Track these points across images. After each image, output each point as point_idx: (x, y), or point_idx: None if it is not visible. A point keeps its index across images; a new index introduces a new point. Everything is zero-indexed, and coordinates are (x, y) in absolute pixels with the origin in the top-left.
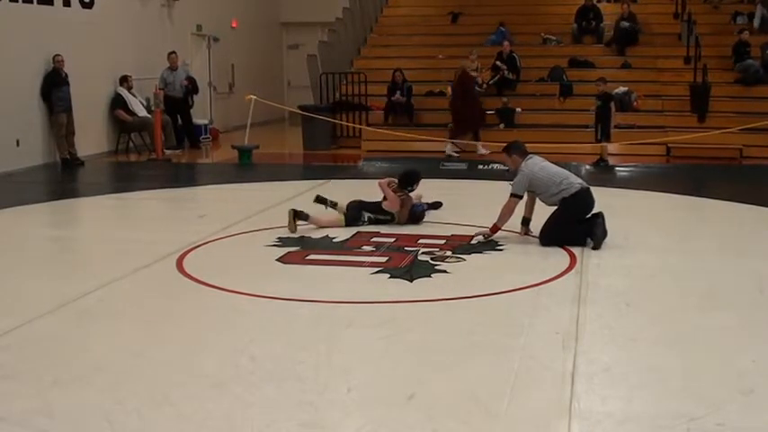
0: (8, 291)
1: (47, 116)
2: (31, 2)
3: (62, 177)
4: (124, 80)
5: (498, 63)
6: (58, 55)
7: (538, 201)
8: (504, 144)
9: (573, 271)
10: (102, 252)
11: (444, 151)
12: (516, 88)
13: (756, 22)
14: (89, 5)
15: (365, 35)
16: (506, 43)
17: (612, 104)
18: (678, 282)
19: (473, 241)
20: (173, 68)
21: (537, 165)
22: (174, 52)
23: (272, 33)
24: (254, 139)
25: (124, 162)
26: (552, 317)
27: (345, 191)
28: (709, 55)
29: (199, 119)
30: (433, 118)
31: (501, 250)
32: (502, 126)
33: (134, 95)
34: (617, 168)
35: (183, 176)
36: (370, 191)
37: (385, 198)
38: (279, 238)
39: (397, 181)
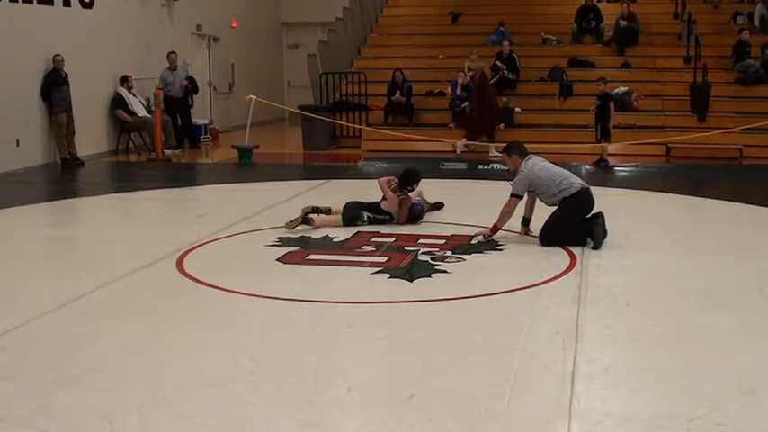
0: (8, 291)
1: (47, 116)
2: (31, 2)
3: (62, 177)
4: (124, 80)
5: (498, 63)
6: (58, 55)
7: (538, 201)
8: (504, 144)
9: (573, 271)
10: (102, 252)
11: (455, 150)
12: (516, 88)
13: (756, 20)
14: (89, 5)
15: (365, 35)
16: (506, 43)
17: (612, 104)
18: (678, 282)
19: (473, 241)
20: (172, 68)
21: (537, 165)
22: (173, 52)
23: (272, 33)
24: (254, 139)
25: (124, 162)
26: (552, 317)
27: (345, 191)
28: (710, 55)
29: (199, 119)
30: (432, 118)
31: (501, 250)
32: (502, 126)
33: (134, 95)
34: (617, 168)
35: (183, 176)
36: (369, 191)
37: (384, 197)
38: (279, 238)
39: (397, 180)
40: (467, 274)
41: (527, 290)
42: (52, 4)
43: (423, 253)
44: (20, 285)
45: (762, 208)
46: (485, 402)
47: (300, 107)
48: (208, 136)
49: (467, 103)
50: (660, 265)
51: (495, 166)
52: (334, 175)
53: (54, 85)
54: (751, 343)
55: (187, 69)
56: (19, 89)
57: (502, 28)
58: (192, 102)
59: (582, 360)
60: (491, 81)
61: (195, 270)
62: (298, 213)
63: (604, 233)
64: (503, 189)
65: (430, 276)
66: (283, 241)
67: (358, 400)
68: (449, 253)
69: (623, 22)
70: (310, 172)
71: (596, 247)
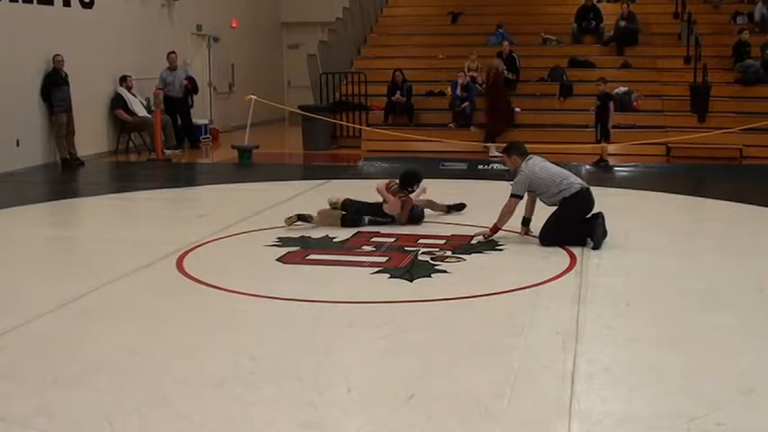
0: (8, 291)
1: (47, 116)
2: (31, 2)
3: (62, 177)
4: (123, 80)
5: None
6: (58, 55)
7: (538, 201)
8: (503, 142)
9: (573, 271)
10: (102, 252)
11: (489, 153)
12: (516, 88)
13: (758, 15)
14: (89, 5)
15: (365, 35)
16: (506, 43)
17: (611, 104)
18: (678, 282)
19: (473, 241)
20: (172, 68)
21: (537, 165)
22: (173, 52)
23: (272, 33)
24: (254, 139)
25: (124, 162)
26: (552, 317)
27: (345, 191)
28: (709, 55)
29: (199, 119)
30: (432, 118)
31: (501, 250)
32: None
33: (134, 95)
34: (617, 168)
35: (183, 176)
36: (369, 192)
37: (385, 201)
38: (279, 238)
39: (397, 181)
40: (467, 274)
41: (527, 290)
42: (52, 4)
43: (423, 253)
44: (20, 285)
45: (762, 208)
46: (485, 402)
47: (300, 107)
48: (208, 136)
49: (467, 103)
50: (660, 265)
51: (495, 166)
52: (334, 175)
53: (54, 85)
54: (751, 343)
55: (187, 69)
56: (19, 89)
57: (501, 29)
58: (192, 102)
59: (582, 360)
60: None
61: (195, 270)
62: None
63: (604, 233)
64: (503, 189)
65: (430, 276)
66: (283, 241)
67: (358, 400)
68: (449, 253)
69: (622, 23)
70: (310, 172)
71: (596, 247)
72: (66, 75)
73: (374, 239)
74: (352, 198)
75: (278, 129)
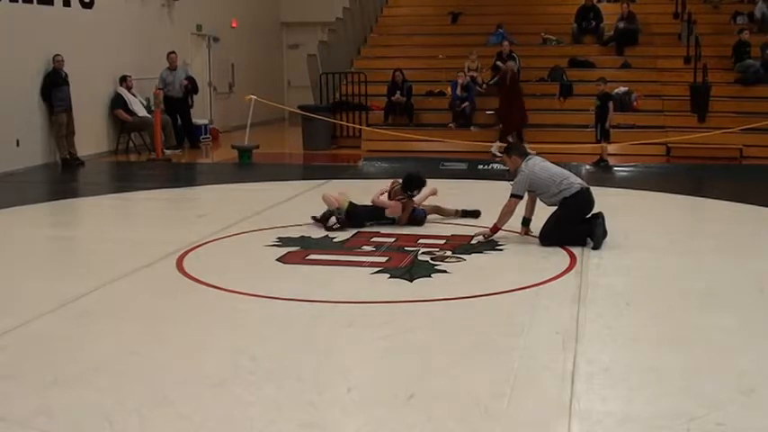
0: (8, 291)
1: (47, 116)
2: (31, 2)
3: (62, 177)
4: (124, 80)
5: (499, 63)
6: (58, 55)
7: (538, 201)
8: (503, 143)
9: (573, 271)
10: (102, 252)
11: (491, 151)
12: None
13: (758, 14)
14: (89, 5)
15: (365, 35)
16: (506, 43)
17: (611, 104)
18: (678, 282)
19: (473, 241)
20: (172, 68)
21: (537, 165)
22: (173, 52)
23: (272, 33)
24: (254, 139)
25: (124, 162)
26: (552, 317)
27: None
28: (709, 55)
29: (199, 119)
30: (432, 118)
31: (501, 250)
32: (501, 126)
33: (134, 95)
34: (617, 168)
35: (183, 176)
36: (370, 192)
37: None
38: (279, 238)
39: (401, 181)
40: (467, 274)
41: (527, 290)
42: (52, 4)
43: (423, 253)
44: (20, 285)
45: (762, 208)
46: (485, 402)
47: (300, 107)
48: (208, 136)
49: (467, 103)
50: (660, 265)
51: (495, 166)
52: (334, 175)
53: (54, 85)
54: (751, 343)
55: (187, 69)
56: (19, 89)
57: (500, 29)
58: (192, 102)
59: (582, 360)
60: (491, 81)
61: (195, 270)
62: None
63: (604, 233)
64: (503, 189)
65: (430, 276)
66: (283, 241)
67: (358, 400)
68: (449, 253)
69: (621, 24)
70: (310, 172)
71: (596, 247)
72: (66, 75)
73: (374, 239)
74: (356, 203)
75: (278, 129)
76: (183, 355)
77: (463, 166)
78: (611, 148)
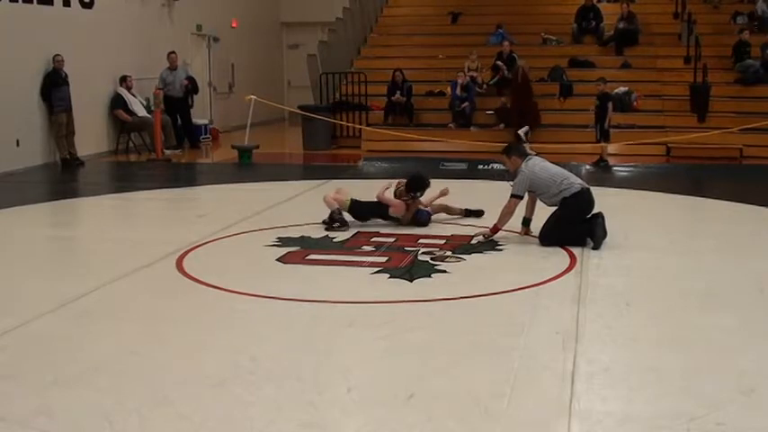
0: (8, 291)
1: (47, 116)
2: (31, 2)
3: (62, 177)
4: (124, 80)
5: (499, 63)
6: (58, 55)
7: (538, 201)
8: (504, 143)
9: (573, 271)
10: (102, 252)
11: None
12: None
13: (759, 11)
14: (89, 5)
15: (365, 35)
16: (506, 43)
17: (610, 104)
18: (678, 282)
19: (473, 241)
20: (172, 68)
21: (537, 165)
22: (173, 52)
23: (272, 33)
24: (254, 139)
25: (124, 162)
26: (552, 317)
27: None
28: (709, 55)
29: (199, 119)
30: (432, 118)
31: (501, 250)
32: (502, 126)
33: (134, 95)
34: (617, 168)
35: (183, 176)
36: (370, 192)
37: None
38: (279, 238)
39: (405, 181)
40: (467, 274)
41: (527, 290)
42: (52, 4)
43: (423, 253)
44: (20, 285)
45: (762, 208)
46: (485, 402)
47: (300, 107)
48: (208, 136)
49: (466, 103)
50: (660, 265)
51: (495, 165)
52: (334, 175)
53: (54, 85)
54: (751, 343)
55: (187, 69)
56: (19, 89)
57: (500, 30)
58: (193, 102)
59: (582, 360)
60: (491, 81)
61: (195, 270)
62: (298, 212)
63: (604, 233)
64: (503, 189)
65: (430, 276)
66: (283, 241)
67: (358, 400)
68: (449, 253)
69: (621, 24)
70: (310, 172)
71: (596, 247)
72: (66, 75)
73: (374, 239)
74: (359, 200)
75: (278, 129)
76: (183, 355)
77: (463, 166)
78: (610, 147)
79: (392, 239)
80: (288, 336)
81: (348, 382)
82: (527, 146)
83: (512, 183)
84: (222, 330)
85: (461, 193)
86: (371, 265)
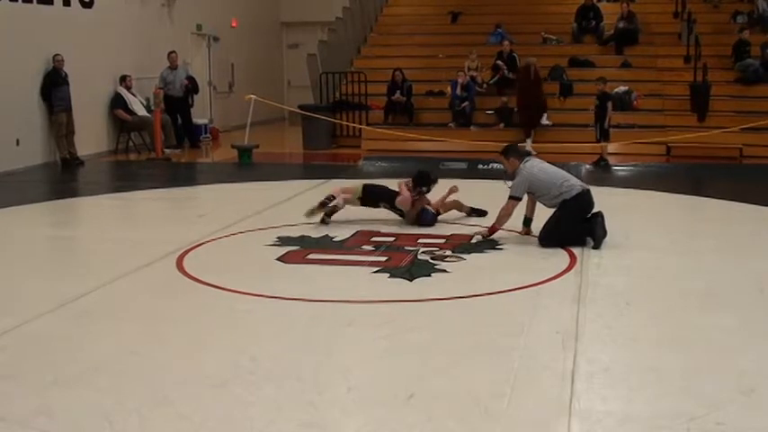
0: (8, 290)
1: (47, 116)
2: (31, 2)
3: (62, 177)
4: (123, 80)
5: (499, 62)
6: (58, 55)
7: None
8: (504, 143)
9: (573, 271)
10: (102, 252)
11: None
12: (516, 87)
13: (760, 8)
14: (89, 5)
15: (365, 35)
16: (506, 42)
17: (609, 104)
18: (678, 282)
19: (473, 240)
20: (173, 68)
21: (536, 166)
22: (174, 52)
23: (272, 33)
24: (253, 139)
25: (124, 161)
26: (552, 317)
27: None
28: (709, 54)
29: (199, 118)
30: (432, 117)
31: (501, 250)
32: (502, 126)
33: (133, 95)
34: (617, 168)
35: (183, 176)
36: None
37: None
38: (279, 237)
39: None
40: (467, 273)
41: (527, 289)
42: (52, 4)
43: (423, 252)
44: (20, 285)
45: (762, 208)
46: (485, 402)
47: (300, 107)
48: (208, 135)
49: (466, 103)
50: (660, 265)
51: (495, 165)
52: (334, 175)
53: (54, 85)
54: (751, 343)
55: (187, 69)
56: (19, 89)
57: (500, 29)
58: (193, 101)
59: (582, 360)
60: (492, 80)
61: (195, 270)
62: (298, 212)
63: (604, 232)
64: (503, 188)
65: (430, 276)
66: (283, 241)
67: (358, 400)
68: (449, 252)
69: (621, 23)
70: (310, 171)
71: (596, 246)
72: (66, 74)
73: (374, 239)
74: (373, 183)
75: (278, 128)
76: (183, 355)
77: (463, 165)
78: (611, 147)
79: (392, 239)
80: (288, 335)
81: (348, 382)
82: (529, 146)
83: (509, 184)
84: (222, 330)
85: (461, 192)
86: (372, 264)
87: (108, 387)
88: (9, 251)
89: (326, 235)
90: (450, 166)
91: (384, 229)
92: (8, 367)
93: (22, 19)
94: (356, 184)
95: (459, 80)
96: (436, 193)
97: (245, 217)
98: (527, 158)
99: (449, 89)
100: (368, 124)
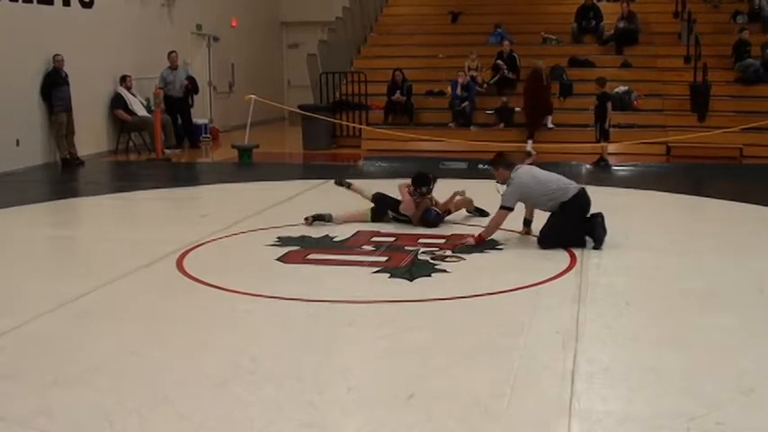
0: (8, 290)
1: (47, 116)
2: (31, 2)
3: (62, 177)
4: (123, 80)
5: (499, 62)
6: (58, 55)
7: None
8: (504, 143)
9: (573, 271)
10: (102, 252)
11: (527, 150)
12: (516, 87)
13: (757, 3)
14: (89, 5)
15: (365, 34)
16: (506, 42)
17: (609, 104)
18: (678, 282)
19: (445, 254)
20: (173, 68)
21: (527, 174)
22: (174, 51)
23: (272, 33)
24: (253, 139)
25: (124, 162)
26: (552, 317)
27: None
28: (710, 54)
29: (199, 118)
30: (432, 117)
31: (501, 250)
32: (502, 126)
33: (133, 95)
34: (617, 168)
35: (183, 176)
36: (370, 190)
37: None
38: (279, 237)
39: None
40: (467, 273)
41: (527, 289)
42: (52, 4)
43: (423, 252)
44: (20, 285)
45: (762, 208)
46: (485, 402)
47: (300, 107)
48: (208, 135)
49: (466, 103)
50: (660, 265)
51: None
52: (334, 175)
53: (54, 85)
54: (751, 343)
55: (187, 69)
56: (19, 89)
57: (499, 29)
58: (193, 101)
59: (582, 359)
60: (492, 80)
61: (195, 270)
62: (298, 212)
63: (604, 232)
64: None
65: (430, 276)
66: (283, 241)
67: (358, 400)
68: (449, 252)
69: (622, 23)
70: (310, 171)
71: (597, 247)
72: (66, 74)
73: (374, 239)
74: (383, 192)
75: (278, 128)
76: (183, 355)
77: (463, 165)
78: (611, 147)
79: (392, 239)
80: (288, 335)
81: (348, 382)
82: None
83: (500, 190)
84: (222, 330)
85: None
86: (372, 264)
87: (108, 387)
88: (9, 251)
89: (327, 235)
90: (450, 166)
91: (384, 229)
92: (8, 367)
93: (22, 19)
94: (364, 209)
95: (460, 80)
96: (441, 194)
97: (246, 217)
98: (517, 167)
99: (449, 89)
100: (368, 124)
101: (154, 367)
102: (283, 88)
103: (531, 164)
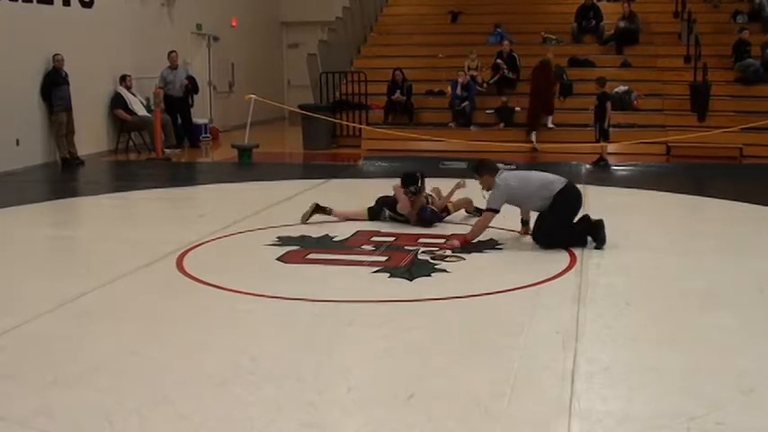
0: (8, 290)
1: (47, 116)
2: (31, 1)
3: (62, 177)
4: (123, 80)
5: (499, 62)
6: (58, 54)
7: None
8: (503, 143)
9: (573, 271)
10: (102, 252)
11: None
12: (516, 87)
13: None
14: (89, 5)
15: (365, 34)
16: (506, 42)
17: (608, 104)
18: (678, 281)
19: (445, 253)
20: (173, 67)
21: (511, 175)
22: (174, 51)
23: (272, 32)
24: (253, 139)
25: (124, 161)
26: (552, 317)
27: (346, 191)
28: (710, 54)
29: (199, 118)
30: (432, 117)
31: (500, 250)
32: (502, 125)
33: (134, 95)
34: (617, 168)
35: (183, 176)
36: (370, 190)
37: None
38: (279, 237)
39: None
40: (467, 273)
41: (527, 289)
42: (52, 4)
43: (423, 252)
44: (20, 285)
45: (762, 207)
46: (485, 402)
47: (300, 106)
48: (208, 135)
49: (466, 103)
50: (660, 264)
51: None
52: (334, 175)
53: (54, 85)
54: (751, 343)
55: (187, 69)
56: (19, 89)
57: (499, 29)
58: (193, 101)
59: (582, 359)
60: (491, 80)
61: (195, 269)
62: (300, 211)
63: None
64: None
65: (430, 276)
66: (283, 240)
67: (358, 400)
68: (449, 252)
69: (622, 23)
70: (310, 171)
71: (599, 246)
72: (66, 74)
73: (374, 239)
74: (385, 195)
75: (278, 128)
76: (183, 355)
77: (463, 165)
78: (610, 147)
79: (392, 239)
80: (288, 335)
81: (348, 382)
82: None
83: (486, 196)
84: (222, 330)
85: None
86: (372, 264)
87: (108, 387)
88: (9, 251)
89: (326, 235)
90: (450, 166)
91: (384, 229)
92: (8, 367)
93: (22, 19)
94: (362, 207)
95: (460, 80)
96: (444, 190)
97: (245, 217)
98: (500, 171)
99: (449, 89)
100: (368, 124)
101: (154, 367)
102: (283, 88)
103: (515, 169)
